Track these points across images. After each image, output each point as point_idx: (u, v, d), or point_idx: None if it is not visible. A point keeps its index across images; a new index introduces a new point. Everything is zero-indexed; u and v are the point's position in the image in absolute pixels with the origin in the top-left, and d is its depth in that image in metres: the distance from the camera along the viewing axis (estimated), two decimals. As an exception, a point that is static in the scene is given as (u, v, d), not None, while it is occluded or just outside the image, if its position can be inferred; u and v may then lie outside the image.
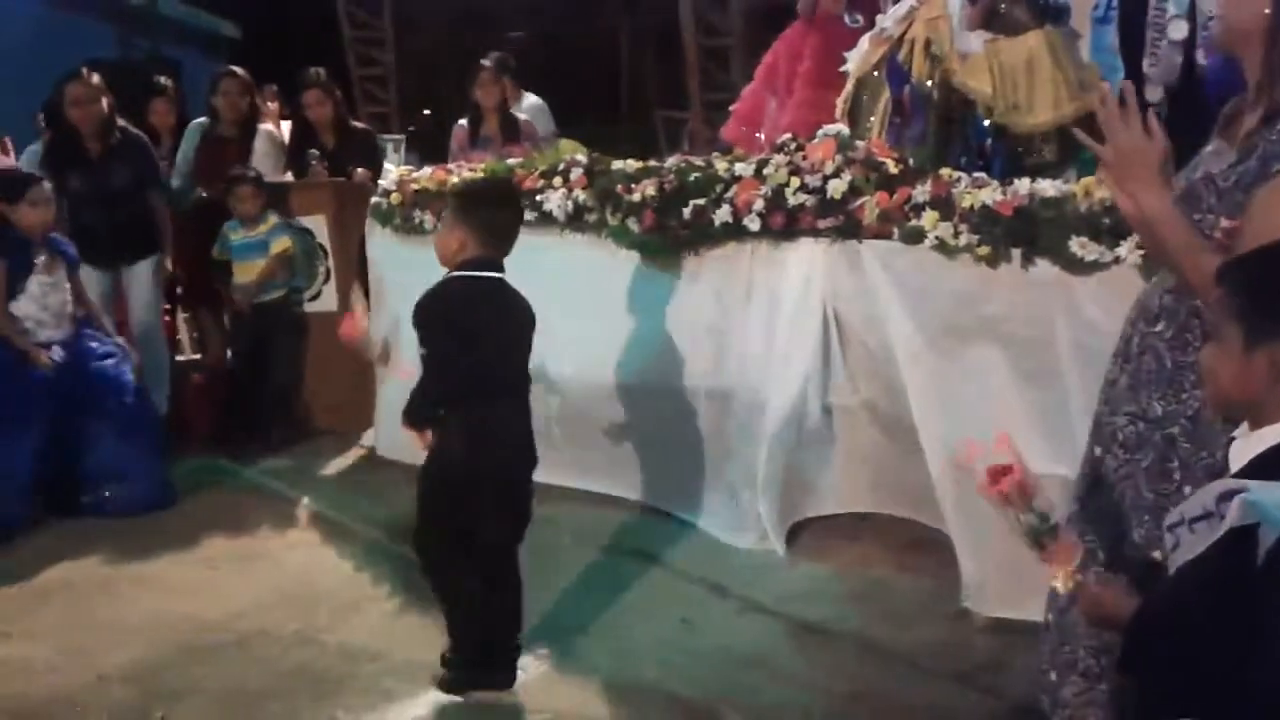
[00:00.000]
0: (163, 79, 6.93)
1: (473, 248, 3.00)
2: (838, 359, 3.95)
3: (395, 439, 5.31)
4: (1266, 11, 2.00)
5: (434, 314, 2.98)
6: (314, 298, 5.78)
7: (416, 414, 3.01)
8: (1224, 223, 1.97)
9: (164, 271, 5.73)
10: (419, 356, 3.04)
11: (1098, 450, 2.27)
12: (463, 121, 6.40)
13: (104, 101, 5.41)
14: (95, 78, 5.45)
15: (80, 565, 4.09)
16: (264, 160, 5.86)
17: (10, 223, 4.54)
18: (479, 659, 3.11)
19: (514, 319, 3.06)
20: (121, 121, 5.57)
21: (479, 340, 2.93)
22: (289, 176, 6.00)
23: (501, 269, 3.05)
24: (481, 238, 3.01)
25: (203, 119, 6.07)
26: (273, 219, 5.52)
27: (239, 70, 6.09)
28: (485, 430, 2.97)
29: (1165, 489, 2.07)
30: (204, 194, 5.91)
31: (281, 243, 5.50)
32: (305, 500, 4.82)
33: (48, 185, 4.61)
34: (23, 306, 4.53)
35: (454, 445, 2.97)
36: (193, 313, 6.49)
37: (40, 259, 4.60)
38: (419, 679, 3.20)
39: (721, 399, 4.24)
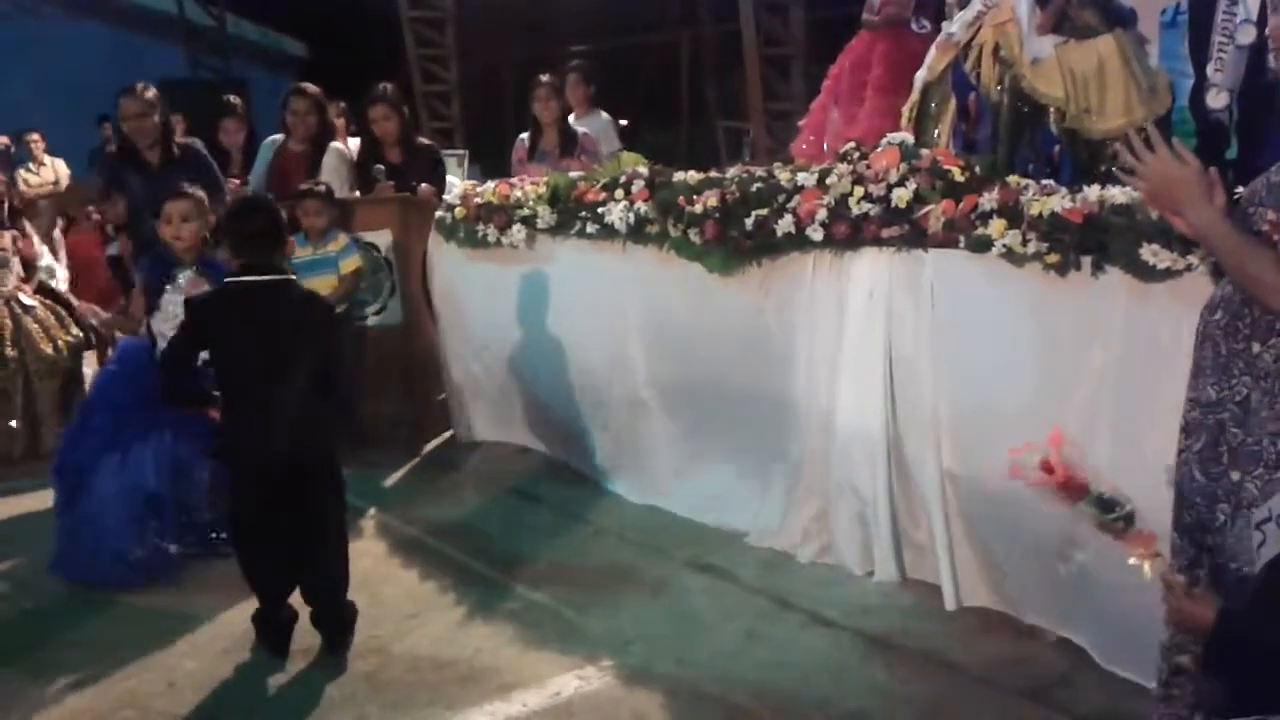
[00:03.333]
0: (232, 98, 7.08)
1: (234, 258, 3.53)
2: (895, 383, 3.88)
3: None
4: None
5: (187, 309, 3.55)
6: (379, 311, 5.84)
7: (163, 392, 3.65)
8: (1270, 215, 2.04)
9: None
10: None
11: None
12: (523, 136, 6.42)
13: (156, 116, 5.39)
14: (150, 92, 5.42)
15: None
16: (333, 176, 5.91)
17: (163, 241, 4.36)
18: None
19: (266, 315, 3.39)
20: (184, 139, 5.63)
21: (218, 333, 3.39)
22: (357, 193, 6.07)
23: (273, 271, 3.41)
24: (234, 248, 3.51)
25: (276, 136, 6.14)
26: (343, 238, 5.52)
27: (310, 87, 6.12)
28: (237, 410, 3.44)
29: (1215, 472, 2.11)
30: None
31: (352, 261, 5.52)
32: (371, 511, 4.86)
33: (184, 204, 4.34)
34: (156, 324, 4.33)
35: (225, 424, 3.51)
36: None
37: (185, 275, 4.35)
38: (484, 687, 3.22)
39: (787, 412, 4.21)
